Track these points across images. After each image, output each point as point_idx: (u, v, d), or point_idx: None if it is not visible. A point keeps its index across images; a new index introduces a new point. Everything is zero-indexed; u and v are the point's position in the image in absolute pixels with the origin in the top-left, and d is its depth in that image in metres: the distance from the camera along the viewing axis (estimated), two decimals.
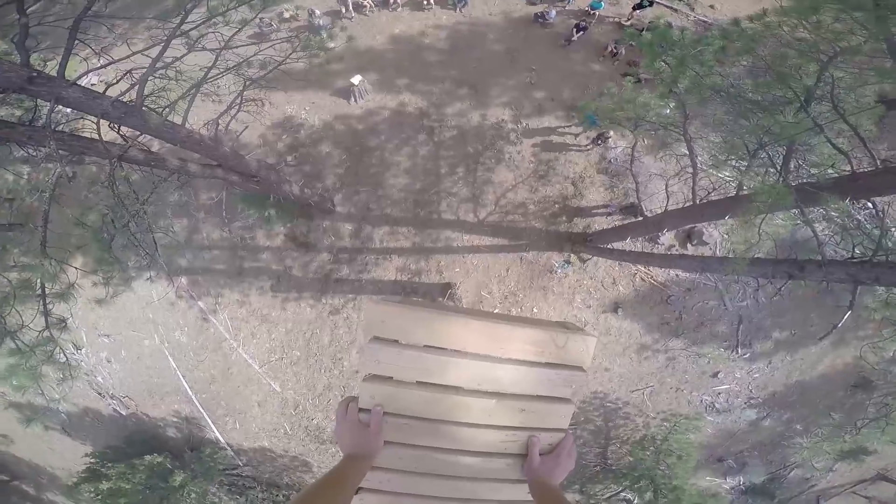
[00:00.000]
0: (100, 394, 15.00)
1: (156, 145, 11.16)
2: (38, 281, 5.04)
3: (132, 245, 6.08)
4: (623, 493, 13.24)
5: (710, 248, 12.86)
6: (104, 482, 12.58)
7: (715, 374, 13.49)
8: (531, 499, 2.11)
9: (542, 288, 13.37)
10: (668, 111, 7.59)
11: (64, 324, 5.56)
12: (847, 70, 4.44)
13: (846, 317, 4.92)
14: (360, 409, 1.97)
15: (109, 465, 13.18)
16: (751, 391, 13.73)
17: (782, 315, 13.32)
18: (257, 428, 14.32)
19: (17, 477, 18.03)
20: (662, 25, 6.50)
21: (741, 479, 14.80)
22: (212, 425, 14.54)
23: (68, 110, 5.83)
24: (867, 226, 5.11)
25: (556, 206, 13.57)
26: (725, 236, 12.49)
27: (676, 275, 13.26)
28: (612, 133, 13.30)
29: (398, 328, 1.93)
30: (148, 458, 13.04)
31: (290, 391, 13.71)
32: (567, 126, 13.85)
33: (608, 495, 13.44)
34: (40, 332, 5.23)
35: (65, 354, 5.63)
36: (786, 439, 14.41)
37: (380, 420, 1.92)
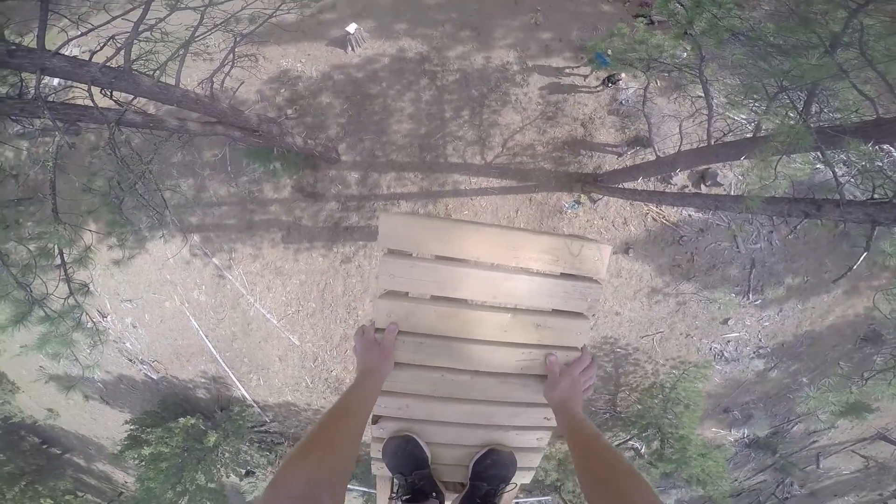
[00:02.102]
0: (130, 360, 15.54)
1: (151, 108, 10.99)
2: (56, 247, 5.12)
3: (141, 205, 6.13)
4: (631, 442, 13.66)
5: (725, 189, 12.58)
6: (145, 448, 13.21)
7: (725, 321, 13.48)
8: (548, 424, 2.20)
9: (552, 228, 13.20)
10: (684, 54, 7.24)
11: (87, 288, 5.68)
12: (878, 18, 4.14)
13: (862, 258, 4.87)
14: (377, 330, 1.99)
15: (148, 430, 13.79)
16: (760, 340, 13.76)
17: (796, 260, 13.13)
18: (280, 383, 14.89)
19: (69, 449, 19.05)
20: None
21: (745, 431, 15.06)
22: (237, 383, 15.13)
23: (55, 82, 5.65)
24: (887, 171, 4.94)
25: (566, 147, 13.18)
26: (740, 178, 12.16)
27: (689, 215, 13.02)
28: (623, 74, 12.71)
29: (411, 239, 1.88)
30: (182, 420, 13.61)
31: (308, 344, 14.12)
32: (576, 67, 13.21)
33: (617, 443, 13.82)
34: (65, 299, 5.37)
35: (91, 319, 5.79)
36: (792, 392, 14.55)
37: (393, 337, 1.94)
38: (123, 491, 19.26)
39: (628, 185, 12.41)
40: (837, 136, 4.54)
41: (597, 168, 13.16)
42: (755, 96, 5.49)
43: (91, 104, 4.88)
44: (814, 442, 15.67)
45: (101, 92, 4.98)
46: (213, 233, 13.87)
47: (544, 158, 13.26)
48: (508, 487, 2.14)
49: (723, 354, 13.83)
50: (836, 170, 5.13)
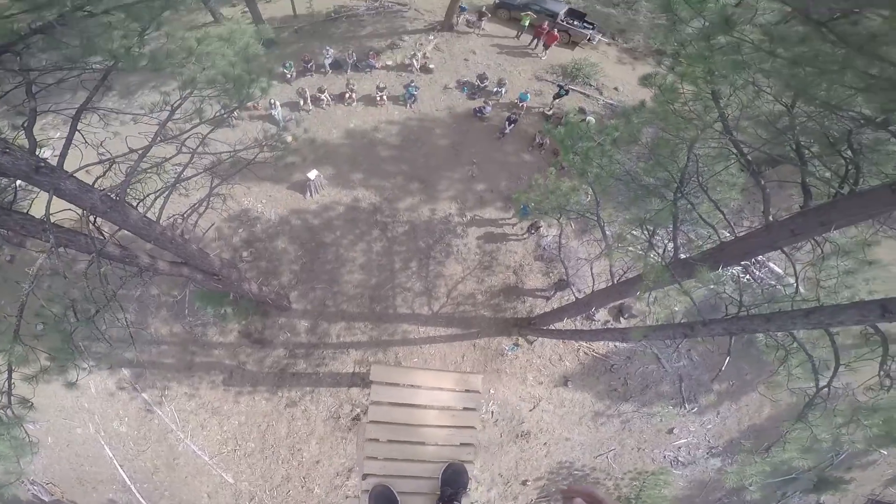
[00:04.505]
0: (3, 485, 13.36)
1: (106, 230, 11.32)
2: (8, 364, 5.17)
3: (94, 338, 6.23)
4: None
5: (641, 320, 14.07)
6: None
7: (670, 431, 14.22)
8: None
9: (496, 370, 14.08)
10: (587, 199, 8.58)
11: (30, 403, 5.66)
12: (707, 147, 5.59)
13: (727, 361, 5.92)
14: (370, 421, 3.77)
15: None
16: (709, 441, 14.44)
17: (717, 369, 14.28)
18: None
19: None
20: (573, 119, 7.55)
21: None
22: None
23: (17, 183, 5.85)
24: (729, 292, 5.98)
25: (502, 294, 14.72)
26: (647, 308, 13.70)
27: (615, 345, 14.30)
28: (542, 222, 14.71)
29: (389, 376, 4.14)
30: None
31: (244, 483, 12.99)
32: (508, 219, 15.31)
33: None
34: (3, 409, 5.34)
35: (26, 432, 5.71)
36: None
37: None
38: None
39: (558, 325, 13.80)
40: (693, 264, 5.67)
41: (529, 312, 14.61)
42: (635, 236, 6.80)
43: (84, 231, 5.29)
44: None
45: (86, 218, 5.36)
46: (147, 369, 13.43)
47: (484, 306, 14.65)
48: (466, 491, 3.36)
49: (677, 460, 14.19)
50: (719, 289, 6.24)
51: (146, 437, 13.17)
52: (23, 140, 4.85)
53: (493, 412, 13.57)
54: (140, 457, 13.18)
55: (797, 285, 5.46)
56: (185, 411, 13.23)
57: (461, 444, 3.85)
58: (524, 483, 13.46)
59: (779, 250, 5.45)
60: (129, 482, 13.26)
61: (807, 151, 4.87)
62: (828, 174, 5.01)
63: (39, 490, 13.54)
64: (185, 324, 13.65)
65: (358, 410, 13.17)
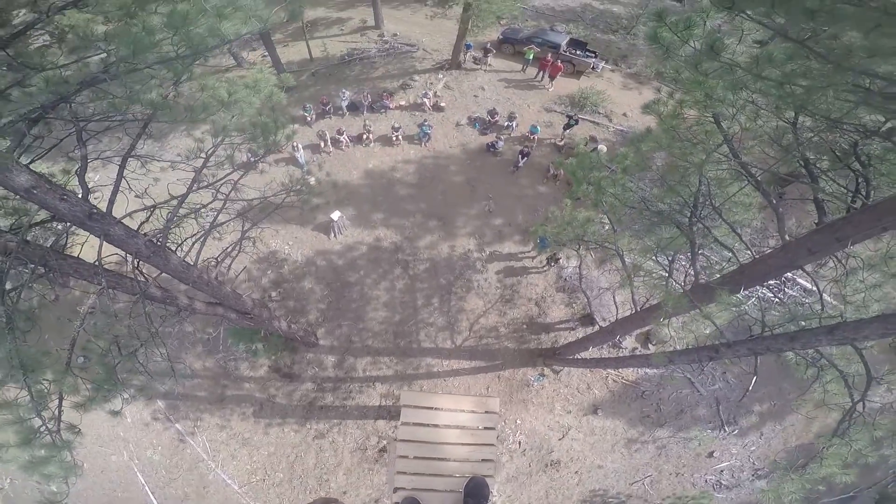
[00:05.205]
0: (50, 501, 13.56)
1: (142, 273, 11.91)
2: (60, 392, 5.44)
3: (135, 371, 6.54)
4: None
5: (670, 345, 13.80)
6: None
7: (710, 454, 13.73)
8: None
9: (522, 401, 13.95)
10: (603, 229, 8.46)
11: (77, 429, 5.96)
12: (717, 170, 5.63)
13: (753, 381, 5.81)
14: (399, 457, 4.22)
15: None
16: (753, 463, 13.82)
17: (756, 390, 13.63)
18: None
19: None
20: (582, 150, 7.68)
21: None
22: None
23: (59, 226, 6.17)
24: (751, 313, 5.98)
25: (525, 326, 14.71)
26: (673, 334, 13.52)
27: (645, 372, 14.04)
28: (561, 254, 14.79)
29: (416, 399, 4.64)
30: None
31: None
32: (527, 252, 15.43)
33: None
34: (52, 433, 5.63)
35: (72, 455, 5.99)
36: (813, 497, 13.90)
37: None
38: None
39: (584, 354, 13.59)
40: (714, 289, 5.61)
41: (554, 342, 14.52)
42: (654, 262, 6.81)
43: (129, 274, 5.67)
44: None
45: (131, 262, 5.80)
46: (180, 401, 13.84)
47: (507, 338, 14.66)
48: (487, 503, 3.67)
49: (720, 483, 13.58)
50: (732, 314, 6.17)
51: (178, 465, 13.45)
52: (73, 185, 5.20)
53: (520, 442, 13.35)
54: (171, 484, 13.43)
55: (822, 302, 5.38)
56: (216, 441, 13.50)
57: (482, 460, 4.28)
58: None
59: (800, 269, 5.34)
60: None
61: (815, 167, 4.91)
62: (841, 188, 4.98)
63: None
64: (218, 359, 14.10)
65: (384, 442, 13.18)
